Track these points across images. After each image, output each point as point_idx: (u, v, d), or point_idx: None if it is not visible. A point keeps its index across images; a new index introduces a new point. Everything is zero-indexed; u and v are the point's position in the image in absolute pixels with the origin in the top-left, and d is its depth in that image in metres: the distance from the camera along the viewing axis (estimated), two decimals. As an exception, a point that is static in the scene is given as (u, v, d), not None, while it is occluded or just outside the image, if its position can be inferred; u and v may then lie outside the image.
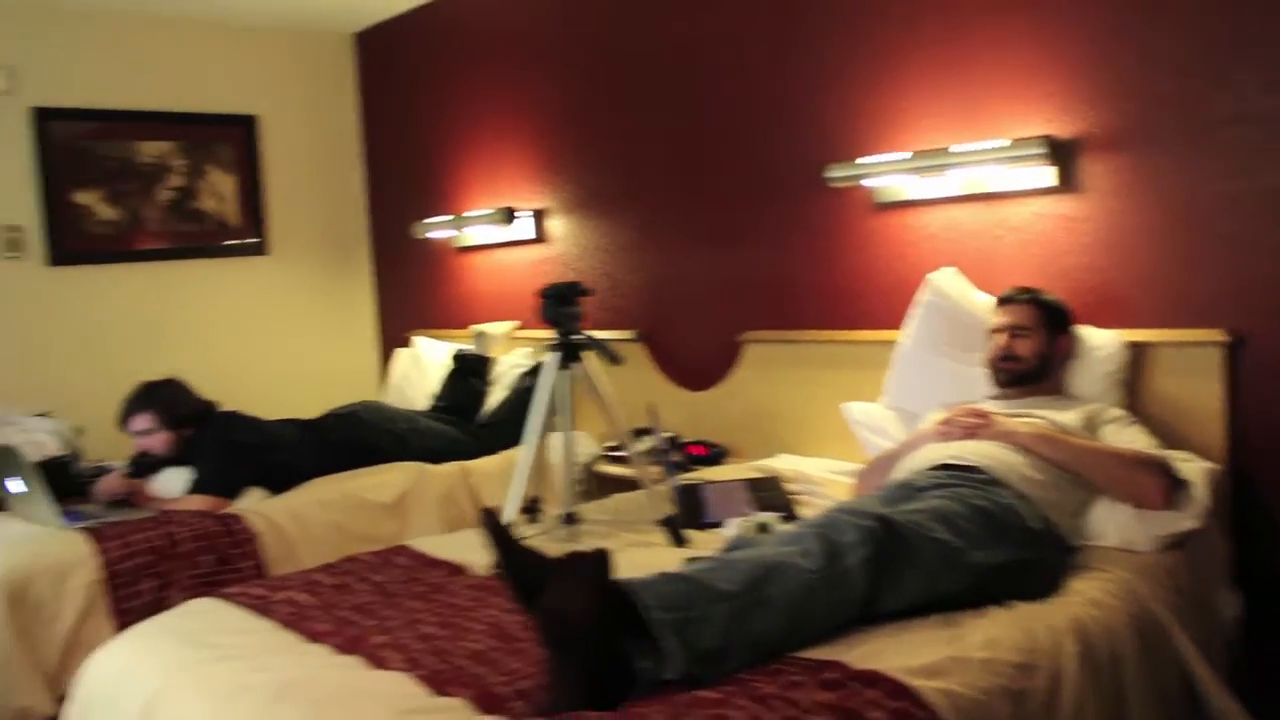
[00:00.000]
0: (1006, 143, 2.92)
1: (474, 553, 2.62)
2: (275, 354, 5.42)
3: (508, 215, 4.60)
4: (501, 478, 3.94)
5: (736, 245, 3.90)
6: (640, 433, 3.87)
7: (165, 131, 5.11)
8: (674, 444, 3.76)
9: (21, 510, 3.41)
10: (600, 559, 1.79)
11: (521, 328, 4.80)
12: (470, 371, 4.54)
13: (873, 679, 1.76)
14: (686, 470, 3.65)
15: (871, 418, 3.26)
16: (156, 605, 3.14)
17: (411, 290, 5.51)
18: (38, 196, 4.77)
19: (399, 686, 1.82)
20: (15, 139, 4.72)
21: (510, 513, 2.55)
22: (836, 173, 3.32)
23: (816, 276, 3.64)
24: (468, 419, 4.38)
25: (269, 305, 5.42)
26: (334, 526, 3.55)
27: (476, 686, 1.80)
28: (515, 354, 4.64)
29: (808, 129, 3.59)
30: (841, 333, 3.56)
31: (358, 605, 2.24)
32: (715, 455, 3.85)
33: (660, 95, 4.11)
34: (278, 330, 5.44)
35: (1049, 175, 2.91)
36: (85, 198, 4.88)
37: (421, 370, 4.84)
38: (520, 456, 2.66)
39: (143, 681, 2.02)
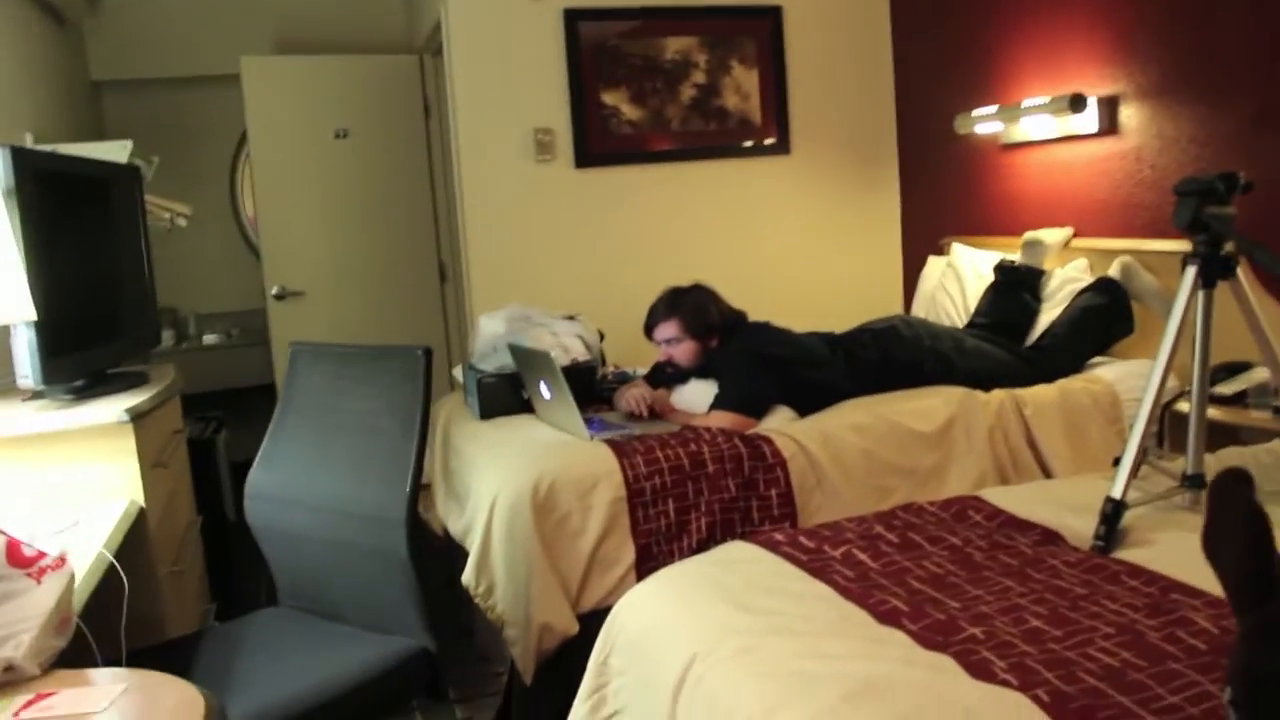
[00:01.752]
0: None
1: (1067, 514, 2.06)
2: (793, 260, 5.07)
3: (1077, 102, 3.85)
4: (1061, 411, 3.33)
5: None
6: (1227, 370, 3.08)
7: (689, 27, 4.86)
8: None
9: (548, 416, 3.29)
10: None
11: (1076, 235, 4.07)
12: (1021, 285, 3.90)
13: None
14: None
15: None
16: (677, 529, 2.90)
17: (944, 193, 4.91)
18: (567, 99, 4.71)
19: (1014, 713, 1.33)
20: (548, 43, 4.67)
21: (1126, 468, 1.95)
22: None
23: None
24: (1016, 340, 3.76)
25: (789, 209, 5.07)
26: (866, 455, 3.12)
27: (1126, 726, 1.27)
28: (1070, 267, 3.94)
29: None
30: None
31: (934, 576, 1.76)
32: (1350, 404, 2.97)
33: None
34: (797, 235, 5.09)
35: None
36: (612, 98, 4.76)
37: (959, 282, 4.26)
38: (1145, 400, 2.03)
39: (683, 641, 1.68)
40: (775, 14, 4.94)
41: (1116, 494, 1.92)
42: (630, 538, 2.86)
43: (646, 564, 2.85)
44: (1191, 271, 2.00)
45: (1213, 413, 2.98)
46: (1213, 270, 1.99)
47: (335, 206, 5.33)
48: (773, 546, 1.95)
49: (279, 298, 5.19)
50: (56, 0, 4.70)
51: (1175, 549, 1.86)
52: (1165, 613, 1.57)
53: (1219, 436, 2.91)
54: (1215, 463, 2.38)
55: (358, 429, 2.36)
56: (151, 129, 5.60)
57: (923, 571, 1.77)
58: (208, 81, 5.67)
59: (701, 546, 2.89)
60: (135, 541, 2.44)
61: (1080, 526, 1.98)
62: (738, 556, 1.96)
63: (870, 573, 1.78)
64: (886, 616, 1.60)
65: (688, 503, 2.92)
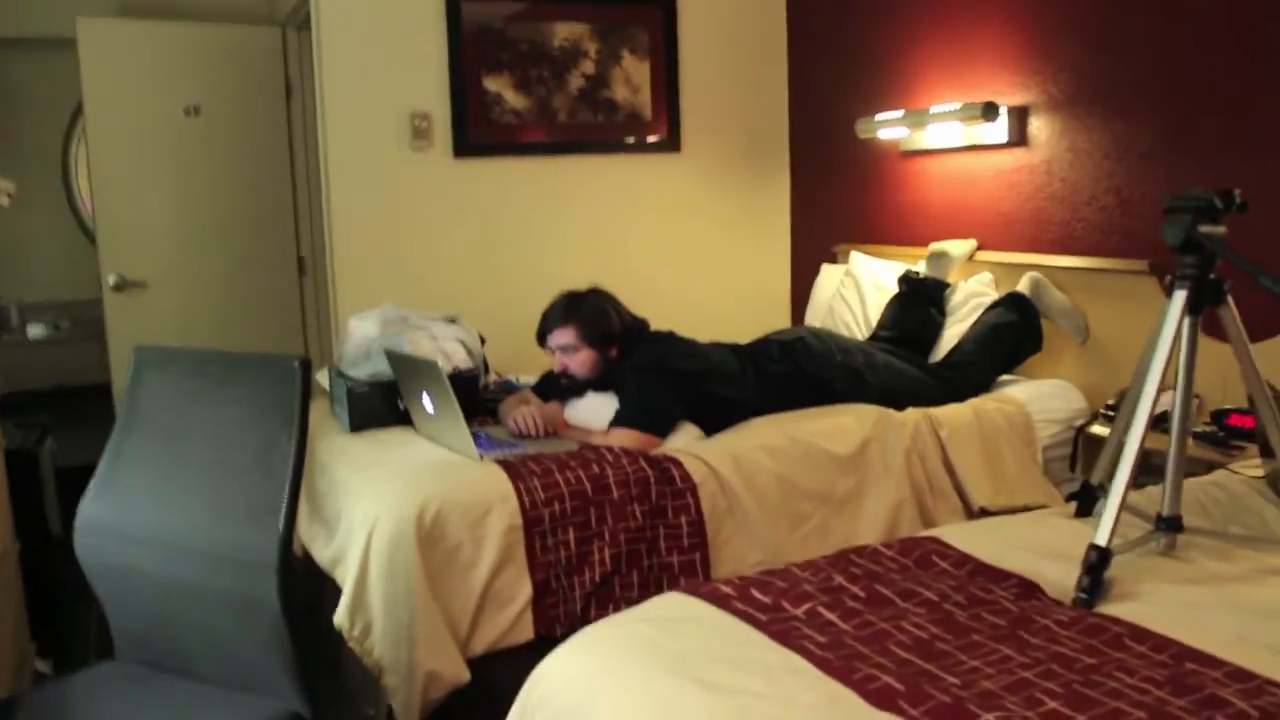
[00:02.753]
0: None
1: (1038, 559, 1.85)
2: (679, 264, 4.82)
3: (990, 111, 3.70)
4: (976, 432, 3.17)
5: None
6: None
7: (580, 12, 4.56)
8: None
9: (430, 431, 2.96)
10: None
11: (980, 248, 3.93)
12: (927, 298, 3.73)
13: None
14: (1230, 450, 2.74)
15: None
16: (578, 560, 2.61)
17: (839, 199, 4.73)
18: (447, 83, 4.35)
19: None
20: (427, 21, 4.31)
21: (1112, 512, 1.74)
22: None
23: None
24: (920, 355, 3.59)
25: (677, 209, 4.81)
26: (779, 479, 2.88)
27: None
28: (974, 280, 3.79)
29: None
30: None
31: (919, 642, 1.51)
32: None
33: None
34: (684, 238, 4.83)
35: None
36: (495, 84, 4.43)
37: (859, 292, 4.07)
38: (1130, 436, 1.82)
39: (626, 724, 1.39)
40: (669, 3, 4.69)
41: (1101, 540, 1.71)
42: (527, 571, 2.55)
43: (544, 600, 2.56)
44: (1181, 296, 1.81)
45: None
46: (1203, 295, 1.80)
47: (183, 190, 4.85)
48: (721, 602, 1.66)
49: (117, 288, 4.69)
50: None
51: (1168, 605, 1.66)
52: (1191, 690, 1.36)
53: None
54: (1194, 498, 2.21)
55: (217, 453, 1.99)
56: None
57: (904, 636, 1.52)
58: (39, 44, 5.11)
59: (605, 580, 2.62)
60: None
61: (1056, 575, 1.77)
62: (679, 614, 1.67)
63: (845, 638, 1.52)
64: (879, 698, 1.34)
65: (590, 531, 2.62)
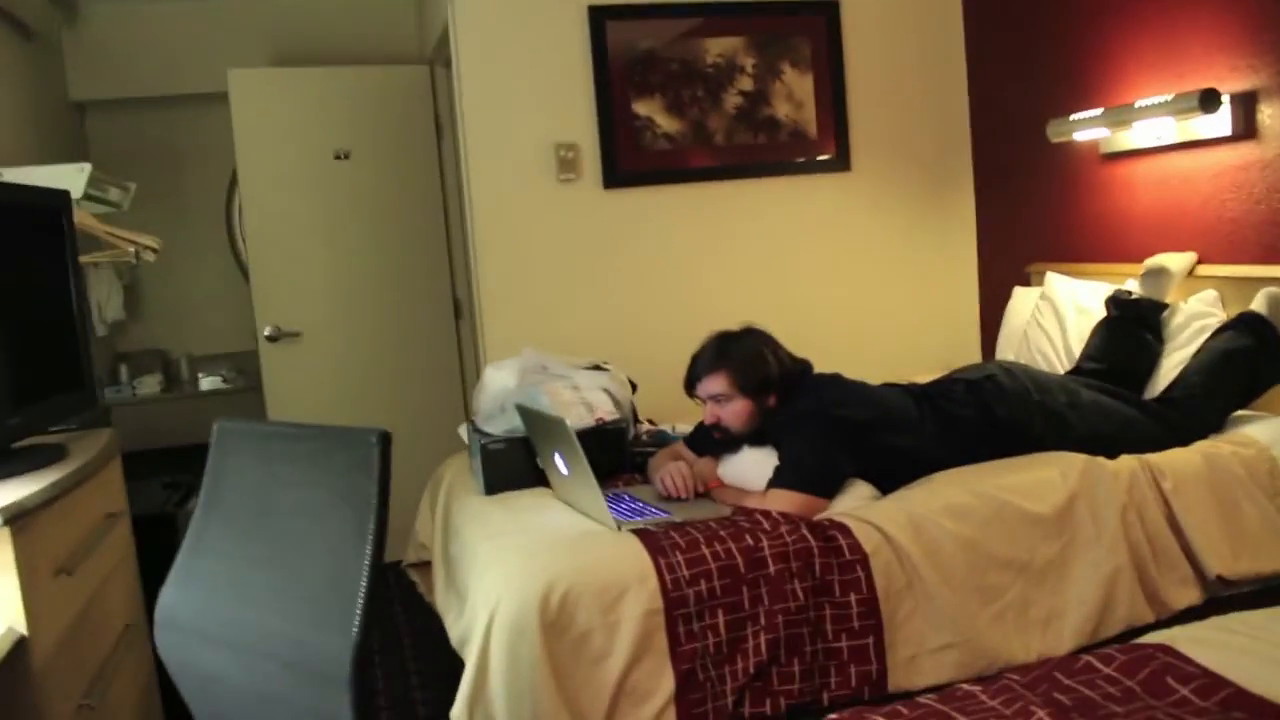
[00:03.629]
0: None
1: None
2: (854, 293, 4.42)
3: (1209, 100, 3.17)
4: (1208, 482, 2.66)
5: None
6: None
7: (734, 25, 4.24)
8: None
9: (566, 494, 2.66)
10: None
11: (1200, 261, 3.39)
12: (1140, 322, 3.22)
13: None
14: None
15: None
16: (729, 649, 2.26)
17: (1031, 212, 4.24)
18: (594, 110, 4.10)
19: None
20: (571, 46, 4.07)
21: None
22: None
23: None
24: (1135, 389, 3.09)
25: (849, 233, 4.41)
26: (966, 545, 2.45)
27: None
28: (1196, 300, 3.26)
29: None
30: None
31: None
32: None
33: None
34: (858, 264, 4.43)
35: None
36: (646, 108, 4.14)
37: (1057, 318, 3.58)
38: None
39: None
40: (832, 9, 4.31)
41: None
42: (668, 662, 2.21)
43: (689, 695, 2.21)
44: None
45: None
46: None
47: (335, 236, 4.74)
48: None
49: (272, 339, 4.60)
50: (22, 13, 4.16)
51: None
52: None
53: None
54: None
55: (291, 543, 1.73)
56: (139, 153, 5.07)
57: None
58: (200, 100, 5.10)
59: (760, 671, 2.25)
60: (12, 683, 1.84)
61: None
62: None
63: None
64: None
65: (743, 614, 2.26)
